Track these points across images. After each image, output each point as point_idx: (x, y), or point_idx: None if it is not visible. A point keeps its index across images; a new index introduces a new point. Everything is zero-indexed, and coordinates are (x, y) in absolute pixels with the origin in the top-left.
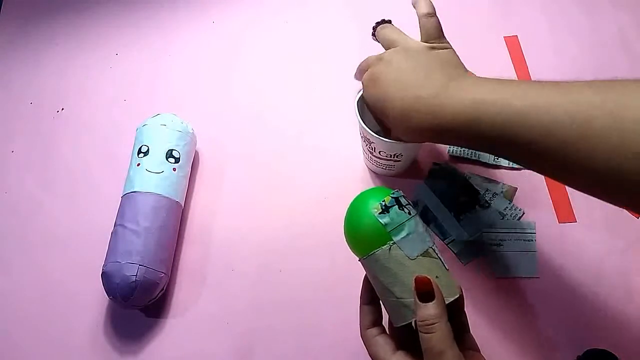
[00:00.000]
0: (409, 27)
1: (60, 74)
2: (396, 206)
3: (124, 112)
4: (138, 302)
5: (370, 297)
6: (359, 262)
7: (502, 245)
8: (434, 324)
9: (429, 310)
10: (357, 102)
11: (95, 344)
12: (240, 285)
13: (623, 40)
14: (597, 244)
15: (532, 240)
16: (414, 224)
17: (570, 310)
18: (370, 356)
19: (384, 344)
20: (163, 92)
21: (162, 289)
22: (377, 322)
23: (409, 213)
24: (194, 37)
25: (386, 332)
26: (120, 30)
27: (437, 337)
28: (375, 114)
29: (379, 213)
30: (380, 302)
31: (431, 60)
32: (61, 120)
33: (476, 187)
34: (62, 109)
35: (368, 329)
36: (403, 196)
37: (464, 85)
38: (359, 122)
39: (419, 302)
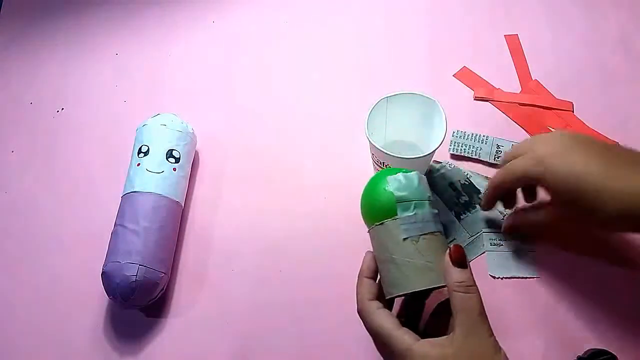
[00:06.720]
0: (409, 27)
1: (60, 74)
2: None
3: (124, 112)
4: (138, 302)
5: (374, 272)
6: (361, 257)
7: (502, 245)
8: (472, 285)
9: (467, 273)
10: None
11: (95, 344)
12: (240, 285)
13: (623, 40)
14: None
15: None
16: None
17: (570, 310)
18: (371, 327)
19: (389, 316)
20: (163, 92)
21: (162, 289)
22: (379, 295)
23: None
24: (194, 37)
25: (387, 308)
26: (120, 30)
27: (477, 298)
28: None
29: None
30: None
31: None
32: (61, 120)
33: (477, 186)
34: (62, 109)
35: (370, 300)
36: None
37: None
38: (376, 147)
39: (454, 267)
